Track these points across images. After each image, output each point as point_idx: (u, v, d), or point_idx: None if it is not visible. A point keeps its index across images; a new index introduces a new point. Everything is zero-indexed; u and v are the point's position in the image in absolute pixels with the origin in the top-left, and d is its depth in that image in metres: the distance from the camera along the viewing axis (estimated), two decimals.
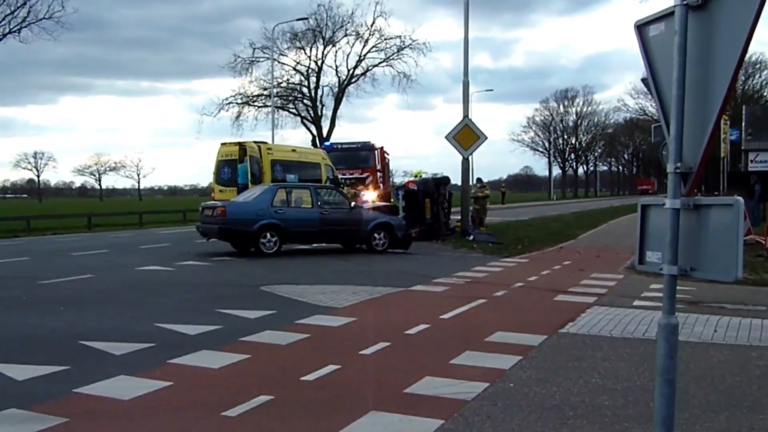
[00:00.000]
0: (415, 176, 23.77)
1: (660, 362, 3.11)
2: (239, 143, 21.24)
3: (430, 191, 20.23)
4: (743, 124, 34.71)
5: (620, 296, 9.79)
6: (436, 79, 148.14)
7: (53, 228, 27.19)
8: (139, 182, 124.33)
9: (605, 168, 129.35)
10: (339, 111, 49.56)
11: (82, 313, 8.53)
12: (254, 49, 46.66)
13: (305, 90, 49.87)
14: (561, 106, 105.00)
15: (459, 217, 21.25)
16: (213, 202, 17.60)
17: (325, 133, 48.27)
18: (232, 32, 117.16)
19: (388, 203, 21.97)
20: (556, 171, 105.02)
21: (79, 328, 7.49)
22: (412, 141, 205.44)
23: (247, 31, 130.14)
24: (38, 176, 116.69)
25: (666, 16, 3.10)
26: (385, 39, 47.97)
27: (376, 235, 16.36)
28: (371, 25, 47.79)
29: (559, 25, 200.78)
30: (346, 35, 48.32)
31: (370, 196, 23.53)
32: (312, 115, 49.52)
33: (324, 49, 48.67)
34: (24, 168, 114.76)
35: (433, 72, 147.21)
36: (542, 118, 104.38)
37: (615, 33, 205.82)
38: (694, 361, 6.06)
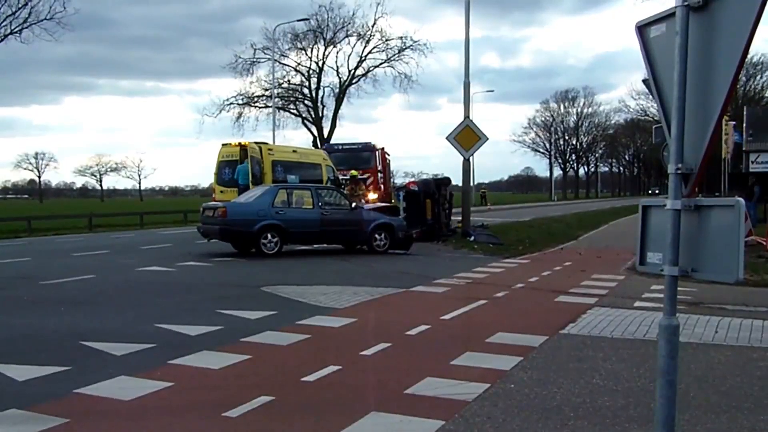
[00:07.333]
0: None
1: (661, 363, 3.11)
2: (240, 144, 21.25)
3: (431, 192, 20.23)
4: (744, 125, 34.68)
5: (621, 297, 9.78)
6: (441, 79, 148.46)
7: (54, 228, 27.19)
8: (140, 183, 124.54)
9: (606, 169, 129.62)
10: (341, 111, 49.78)
11: (83, 313, 8.53)
12: (255, 49, 46.80)
13: (306, 91, 50.01)
14: (562, 107, 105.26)
15: (460, 218, 21.26)
16: (214, 202, 17.59)
17: (326, 133, 48.32)
18: (238, 31, 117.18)
19: (388, 204, 21.96)
20: (557, 172, 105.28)
21: (80, 328, 7.49)
22: (415, 141, 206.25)
23: (253, 30, 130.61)
24: (39, 177, 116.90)
25: (667, 17, 3.10)
26: (386, 40, 48.09)
27: (377, 235, 16.35)
28: (372, 26, 47.92)
29: (569, 24, 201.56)
30: (347, 36, 48.48)
31: (371, 196, 23.53)
32: (313, 115, 49.59)
33: (325, 49, 48.84)
34: (25, 168, 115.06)
35: (439, 72, 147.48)
36: (543, 119, 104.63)
37: (623, 32, 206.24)
38: (695, 362, 6.06)
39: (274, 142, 34.77)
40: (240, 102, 48.35)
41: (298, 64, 49.41)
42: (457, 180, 23.40)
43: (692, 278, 3.13)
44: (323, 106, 49.62)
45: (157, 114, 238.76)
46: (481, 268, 13.40)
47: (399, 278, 11.92)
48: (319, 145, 41.57)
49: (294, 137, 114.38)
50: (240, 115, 48.23)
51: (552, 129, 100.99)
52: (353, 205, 16.63)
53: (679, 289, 3.21)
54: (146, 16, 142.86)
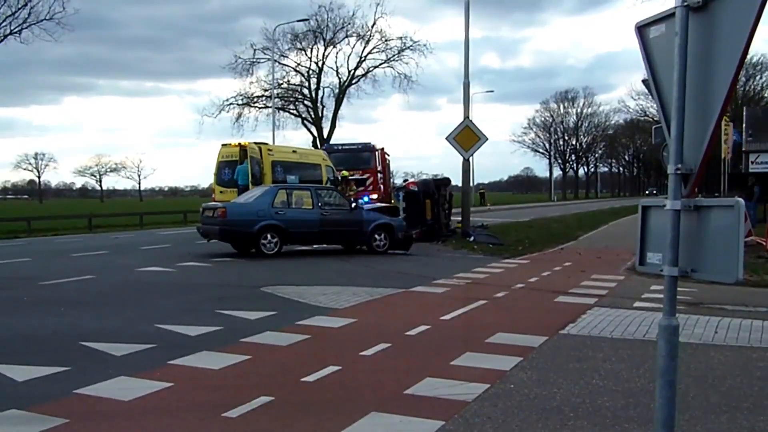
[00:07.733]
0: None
1: (661, 363, 3.11)
2: (240, 144, 21.25)
3: (431, 192, 20.24)
4: (744, 125, 34.69)
5: (621, 297, 9.79)
6: (441, 79, 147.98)
7: (54, 229, 27.20)
8: (139, 183, 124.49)
9: (606, 169, 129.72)
10: (340, 112, 49.79)
11: (83, 313, 8.53)
12: (255, 50, 46.81)
13: (306, 91, 50.00)
14: (561, 107, 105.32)
15: (459, 218, 21.27)
16: (214, 203, 17.59)
17: (326, 134, 48.32)
18: (238, 32, 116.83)
19: (388, 204, 21.96)
20: (557, 172, 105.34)
21: (80, 328, 7.49)
22: (415, 142, 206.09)
23: (253, 30, 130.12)
24: (39, 177, 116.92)
25: (667, 17, 3.10)
26: (386, 40, 48.11)
27: (376, 236, 16.35)
28: (372, 27, 47.94)
29: (569, 25, 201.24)
30: (347, 36, 48.49)
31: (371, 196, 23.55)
32: (313, 116, 49.59)
33: (325, 50, 48.85)
34: (25, 169, 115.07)
35: (439, 72, 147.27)
36: (543, 119, 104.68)
37: (623, 33, 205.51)
38: (694, 362, 6.06)
39: (273, 142, 34.77)
40: (240, 102, 48.41)
41: (298, 64, 49.48)
42: (456, 180, 23.45)
43: (692, 278, 3.13)
44: (323, 107, 49.69)
45: (157, 114, 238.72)
46: (480, 268, 13.40)
47: (399, 278, 11.92)
48: (319, 146, 41.58)
49: (294, 137, 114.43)
50: (240, 115, 48.30)
51: (552, 129, 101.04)
52: (353, 205, 16.63)
53: (679, 289, 3.21)
54: (146, 16, 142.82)
